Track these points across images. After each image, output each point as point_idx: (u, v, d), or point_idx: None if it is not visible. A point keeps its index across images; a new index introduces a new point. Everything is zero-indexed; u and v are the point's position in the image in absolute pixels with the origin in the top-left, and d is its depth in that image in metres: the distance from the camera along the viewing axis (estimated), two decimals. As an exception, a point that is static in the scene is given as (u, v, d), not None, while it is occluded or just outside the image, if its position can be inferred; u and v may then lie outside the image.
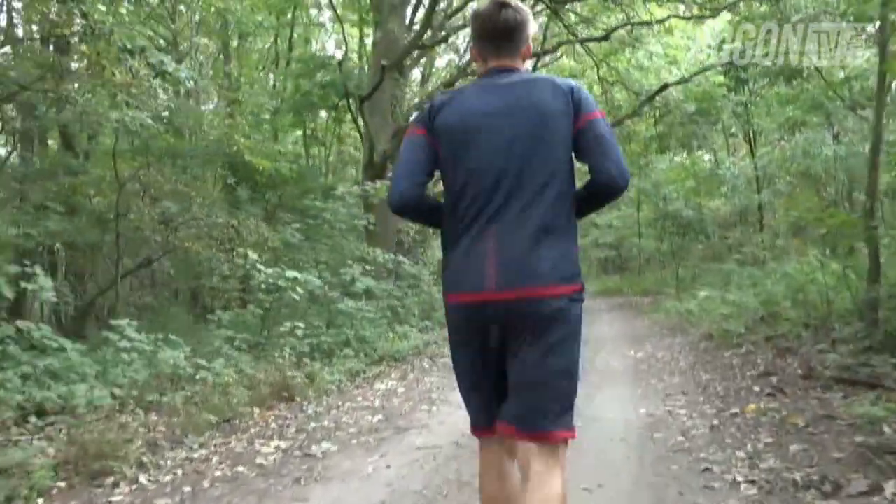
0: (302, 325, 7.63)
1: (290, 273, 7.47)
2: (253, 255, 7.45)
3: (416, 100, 16.30)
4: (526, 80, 2.12)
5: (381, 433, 5.51)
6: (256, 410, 6.10)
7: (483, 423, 2.20)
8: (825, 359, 6.15)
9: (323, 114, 20.19)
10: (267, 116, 18.86)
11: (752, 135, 18.77)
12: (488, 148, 2.02)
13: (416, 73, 21.75)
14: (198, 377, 6.20)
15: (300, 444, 5.19)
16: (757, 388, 5.93)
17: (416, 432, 5.50)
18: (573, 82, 2.13)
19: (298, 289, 7.61)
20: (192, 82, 7.39)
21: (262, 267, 7.45)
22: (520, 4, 2.16)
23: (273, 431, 5.60)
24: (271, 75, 21.52)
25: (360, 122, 16.38)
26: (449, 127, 2.08)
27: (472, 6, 16.62)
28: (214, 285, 12.32)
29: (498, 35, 2.15)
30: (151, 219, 10.44)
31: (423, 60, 20.46)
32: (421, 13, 15.99)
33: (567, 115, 2.03)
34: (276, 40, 20.67)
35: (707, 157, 23.10)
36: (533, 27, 2.22)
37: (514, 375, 2.03)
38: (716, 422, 5.01)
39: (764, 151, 16.35)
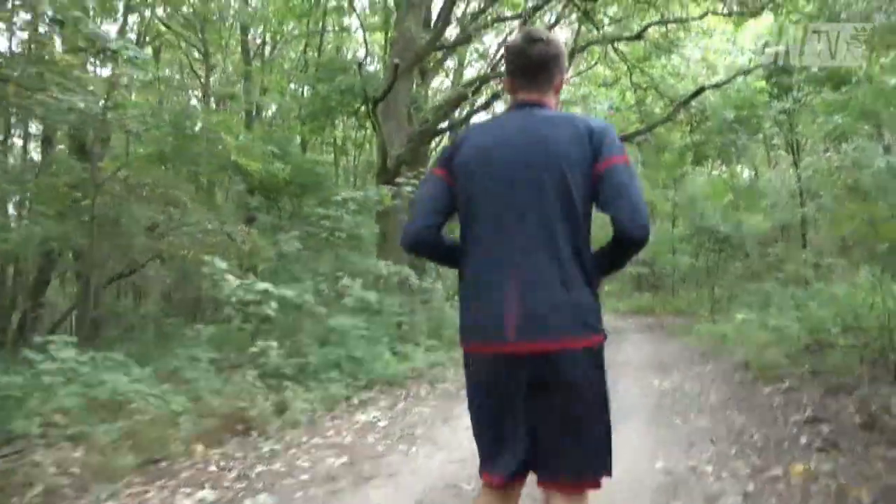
0: (275, 344, 6.63)
1: (262, 285, 6.49)
2: (221, 263, 6.48)
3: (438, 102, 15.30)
4: (548, 117, 2.03)
5: (337, 482, 4.49)
6: (199, 448, 5.12)
7: (493, 473, 2.03)
8: (889, 403, 4.96)
9: (345, 120, 19.41)
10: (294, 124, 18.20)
11: (795, 145, 17.42)
12: (502, 189, 1.95)
13: (446, 83, 20.86)
14: (134, 405, 5.23)
15: (232, 497, 4.20)
16: (804, 440, 4.77)
17: (379, 484, 4.46)
18: (598, 123, 2.01)
19: (272, 303, 6.62)
20: (138, 61, 6.45)
21: (230, 277, 6.48)
22: (553, 37, 2.12)
23: (208, 477, 4.60)
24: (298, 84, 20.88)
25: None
26: (465, 165, 2.04)
27: (496, 8, 15.80)
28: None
29: (529, 70, 2.09)
30: (137, 223, 9.58)
31: (449, 66, 19.55)
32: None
33: (584, 159, 1.93)
34: (305, 49, 20.02)
35: (746, 171, 21.77)
36: (565, 61, 2.12)
37: (542, 429, 1.94)
38: (751, 487, 3.88)
39: (809, 161, 15.02)
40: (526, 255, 1.90)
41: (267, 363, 6.84)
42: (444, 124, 14.80)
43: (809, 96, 15.31)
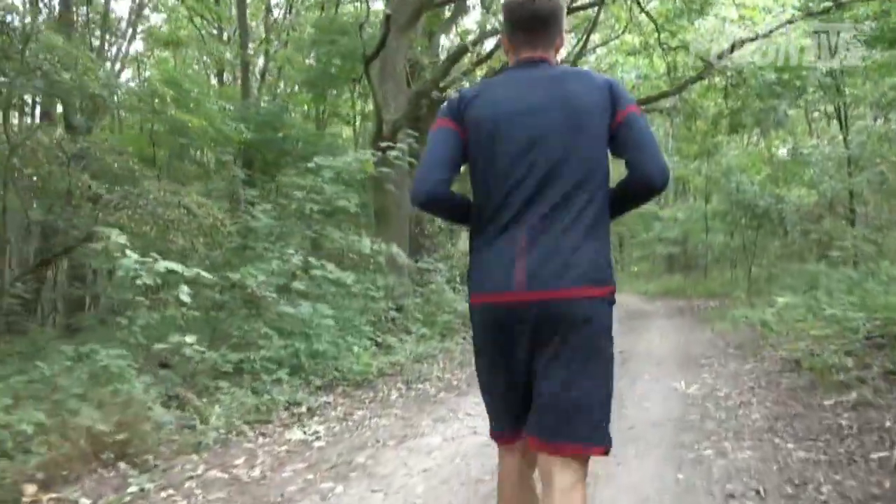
0: (190, 339, 5.11)
1: (165, 264, 4.95)
2: (118, 238, 4.95)
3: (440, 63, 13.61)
4: (560, 73, 1.98)
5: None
6: (31, 489, 3.61)
7: (504, 431, 2.00)
8: None
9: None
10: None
11: (842, 110, 15.41)
12: (520, 144, 1.87)
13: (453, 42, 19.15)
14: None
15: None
16: (904, 498, 3.10)
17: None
18: (609, 77, 2.00)
19: (185, 287, 5.09)
20: None
21: (131, 253, 4.95)
22: None
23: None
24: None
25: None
26: (479, 121, 1.93)
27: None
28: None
29: (530, 24, 2.00)
30: (81, 196, 8.14)
31: (456, 27, 17.82)
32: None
33: (605, 110, 1.88)
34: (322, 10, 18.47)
35: (784, 143, 19.69)
36: (564, 17, 2.02)
37: (542, 385, 1.83)
38: None
39: (861, 126, 13.07)
40: (543, 210, 1.82)
41: (194, 361, 5.36)
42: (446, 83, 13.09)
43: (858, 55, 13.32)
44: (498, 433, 2.04)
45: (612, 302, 1.88)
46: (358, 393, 6.51)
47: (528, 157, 1.84)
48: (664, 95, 14.55)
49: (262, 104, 16.15)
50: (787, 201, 13.85)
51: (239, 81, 16.79)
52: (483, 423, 2.44)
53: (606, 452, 1.83)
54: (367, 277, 9.85)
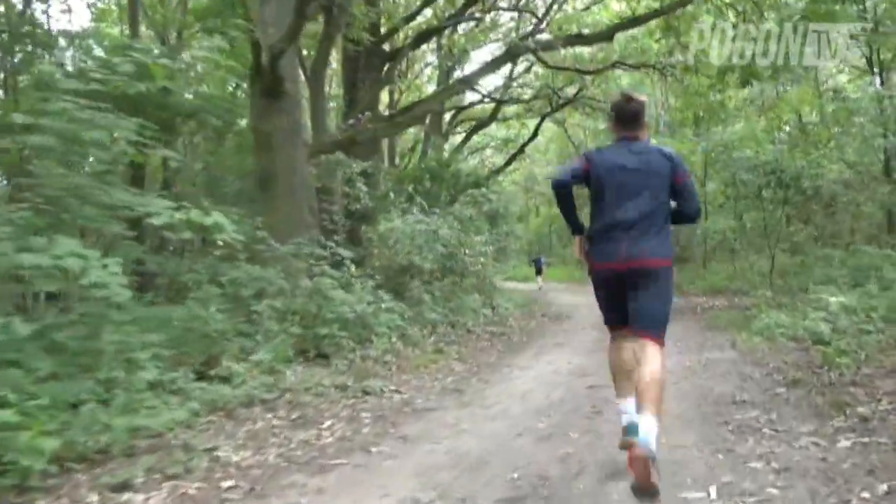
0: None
1: None
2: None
3: None
4: (644, 147, 3.33)
5: None
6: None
7: (615, 323, 3.43)
8: None
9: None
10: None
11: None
12: (626, 187, 3.21)
13: None
14: None
15: None
16: None
17: None
18: (674, 152, 3.38)
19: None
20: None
21: None
22: (640, 96, 3.45)
23: None
24: None
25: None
26: (601, 166, 3.29)
27: None
28: None
29: (628, 119, 3.39)
30: None
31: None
32: None
33: (668, 174, 3.25)
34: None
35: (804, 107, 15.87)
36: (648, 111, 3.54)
37: (636, 306, 3.22)
38: None
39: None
40: (633, 219, 3.19)
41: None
42: None
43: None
44: (610, 324, 3.48)
45: (672, 265, 3.29)
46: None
47: (630, 195, 3.20)
48: (656, 15, 10.75)
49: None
50: (823, 166, 10.06)
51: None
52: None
53: (662, 344, 3.17)
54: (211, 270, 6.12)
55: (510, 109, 24.39)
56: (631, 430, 3.11)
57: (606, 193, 3.25)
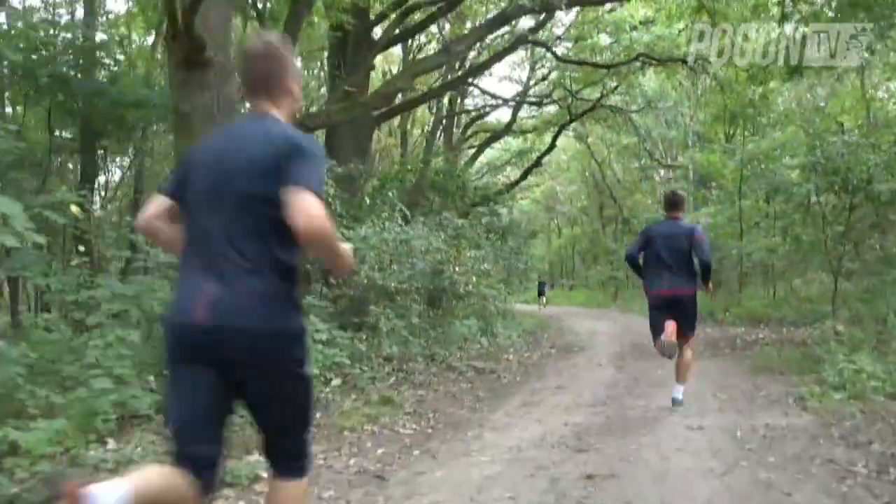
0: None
1: None
2: None
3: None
4: (678, 225, 5.14)
5: None
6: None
7: (658, 332, 4.92)
8: None
9: None
10: None
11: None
12: (662, 244, 5.05)
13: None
14: None
15: None
16: None
17: None
18: (696, 226, 5.44)
19: None
20: None
21: None
22: (682, 192, 5.67)
23: None
24: None
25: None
26: (649, 237, 5.21)
27: None
28: None
29: (673, 206, 5.30)
30: None
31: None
32: None
33: (688, 235, 5.02)
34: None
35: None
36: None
37: (679, 319, 4.91)
38: None
39: None
40: (670, 266, 5.00)
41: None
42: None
43: None
44: (655, 333, 4.99)
45: (696, 294, 5.14)
46: None
47: (664, 249, 5.00)
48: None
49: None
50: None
51: None
52: None
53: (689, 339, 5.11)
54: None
55: (527, 122, 22.39)
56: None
57: (654, 250, 5.15)
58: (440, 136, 19.54)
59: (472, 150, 22.39)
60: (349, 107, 8.02)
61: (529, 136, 22.33)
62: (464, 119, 21.06)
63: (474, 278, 9.05)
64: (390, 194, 9.39)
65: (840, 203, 8.62)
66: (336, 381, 5.78)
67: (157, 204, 1.91)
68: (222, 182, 1.75)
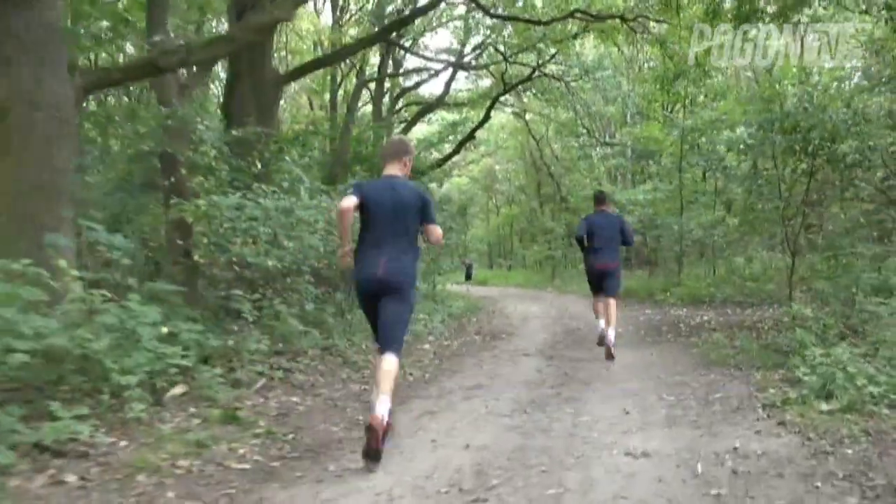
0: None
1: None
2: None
3: None
4: (608, 216, 6.84)
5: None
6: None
7: (596, 291, 6.76)
8: None
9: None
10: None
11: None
12: (600, 236, 6.73)
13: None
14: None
15: None
16: None
17: None
18: (621, 217, 7.17)
19: None
20: None
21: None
22: (606, 192, 8.15)
23: None
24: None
25: None
26: (593, 223, 6.84)
27: None
28: None
29: (601, 201, 7.00)
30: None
31: None
32: None
33: (619, 226, 6.72)
34: None
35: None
36: None
37: (607, 283, 6.65)
38: None
39: None
40: (603, 246, 6.76)
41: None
42: None
43: None
44: (594, 292, 6.82)
45: (620, 265, 7.07)
46: None
47: (599, 235, 6.66)
48: None
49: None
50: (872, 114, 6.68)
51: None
52: None
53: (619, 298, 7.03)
54: None
55: (461, 94, 21.04)
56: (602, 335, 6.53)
57: (595, 237, 6.61)
58: (364, 105, 18.01)
59: (404, 125, 20.94)
60: (212, 43, 6.47)
61: (464, 110, 20.97)
62: (395, 90, 19.57)
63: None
64: (289, 160, 7.92)
65: (797, 168, 7.55)
66: (177, 390, 4.33)
67: (353, 200, 3.59)
68: (398, 209, 3.61)
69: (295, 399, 4.67)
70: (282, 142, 8.11)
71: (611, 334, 6.30)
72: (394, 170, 3.81)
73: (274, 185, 7.67)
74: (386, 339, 3.55)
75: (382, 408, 3.26)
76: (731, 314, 8.68)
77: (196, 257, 5.58)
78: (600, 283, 6.63)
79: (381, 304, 3.59)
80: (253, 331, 5.66)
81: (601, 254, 6.59)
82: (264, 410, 4.29)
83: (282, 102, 21.18)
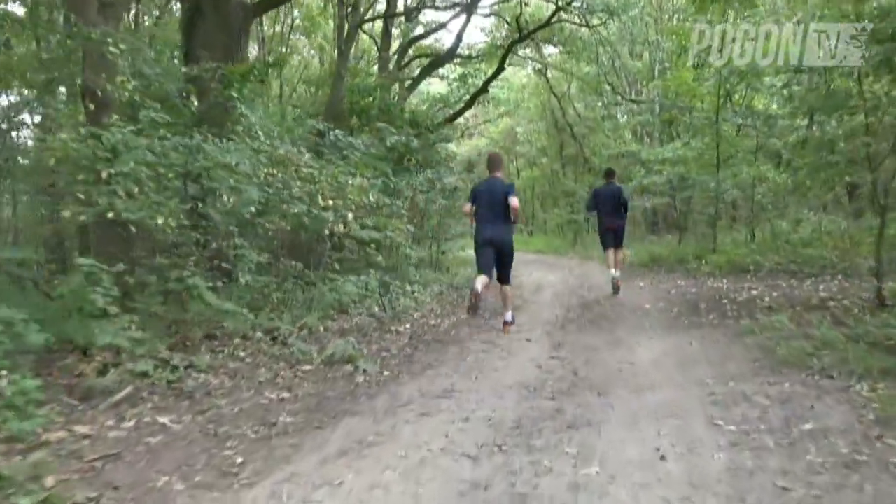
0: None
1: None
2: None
3: None
4: (613, 187, 8.34)
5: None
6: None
7: (608, 246, 8.19)
8: None
9: None
10: None
11: None
12: (607, 202, 8.29)
13: None
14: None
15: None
16: None
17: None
18: (620, 187, 8.60)
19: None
20: None
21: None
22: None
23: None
24: None
25: None
26: (599, 196, 8.52)
27: None
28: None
29: (610, 175, 8.62)
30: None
31: None
32: None
33: (619, 195, 8.27)
34: None
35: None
36: None
37: (616, 238, 8.32)
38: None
39: None
40: (611, 210, 8.25)
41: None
42: None
43: None
44: (604, 247, 8.25)
45: (624, 224, 8.63)
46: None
47: (606, 202, 8.25)
48: None
49: None
50: None
51: None
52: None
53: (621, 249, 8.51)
54: None
55: (475, 45, 19.14)
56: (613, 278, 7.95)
57: (600, 204, 8.12)
58: (369, 58, 16.22)
59: (409, 82, 19.10)
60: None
61: (477, 63, 19.04)
62: (404, 38, 17.72)
63: (350, 216, 6.04)
64: (237, 96, 6.28)
65: (892, 91, 5.63)
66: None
67: (470, 205, 6.00)
68: (494, 196, 5.77)
69: (163, 420, 3.10)
70: (229, 77, 6.49)
71: (617, 273, 8.05)
72: (496, 174, 5.99)
73: (231, 130, 6.12)
74: (502, 276, 5.87)
75: (508, 316, 5.99)
76: (786, 288, 6.93)
77: (66, 213, 4.02)
78: (610, 239, 8.17)
79: (497, 255, 5.75)
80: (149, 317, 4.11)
81: (609, 216, 8.16)
82: (83, 450, 2.72)
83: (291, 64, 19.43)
